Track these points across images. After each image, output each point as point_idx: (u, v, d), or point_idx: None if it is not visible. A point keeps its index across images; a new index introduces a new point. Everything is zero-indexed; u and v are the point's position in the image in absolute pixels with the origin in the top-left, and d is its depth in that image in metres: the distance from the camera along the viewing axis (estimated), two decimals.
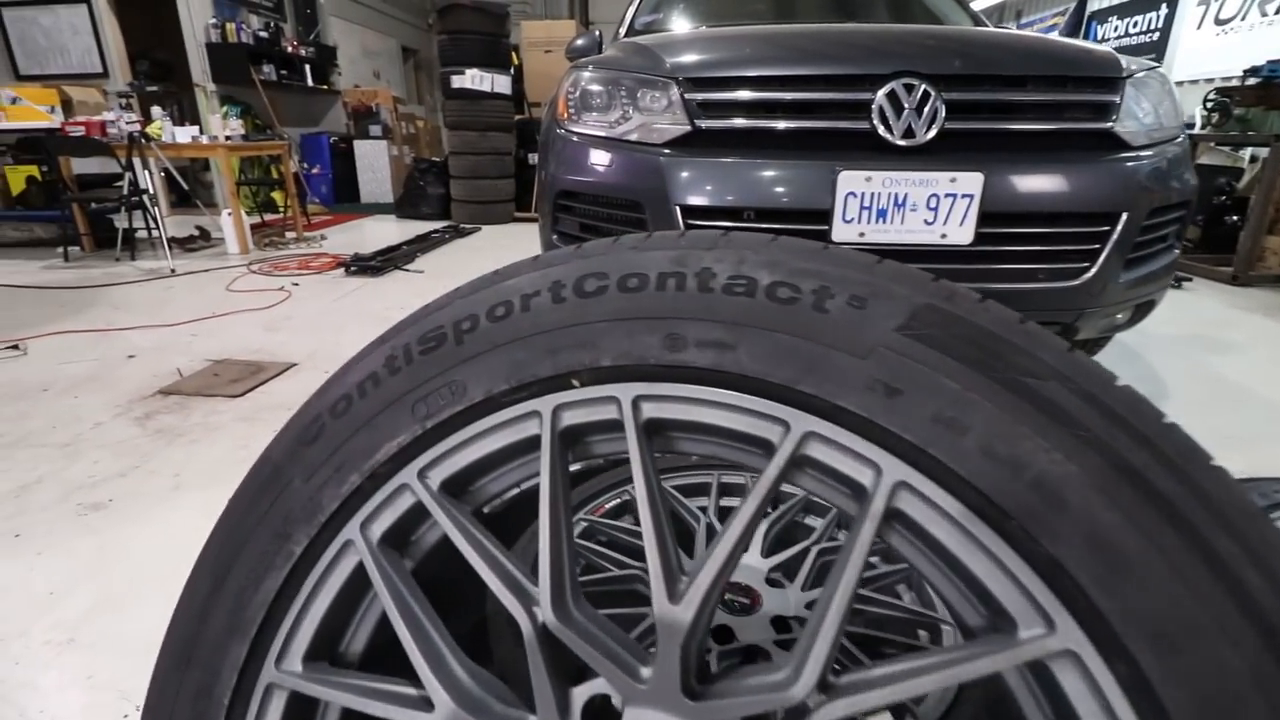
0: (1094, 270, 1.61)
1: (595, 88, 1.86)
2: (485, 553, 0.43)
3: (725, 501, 1.16)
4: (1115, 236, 1.59)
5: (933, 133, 1.54)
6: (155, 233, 4.71)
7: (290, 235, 5.59)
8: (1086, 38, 7.51)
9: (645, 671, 0.40)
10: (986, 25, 2.85)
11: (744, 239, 0.44)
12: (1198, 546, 0.32)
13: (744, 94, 1.62)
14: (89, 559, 1.43)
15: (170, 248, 4.63)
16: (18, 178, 5.32)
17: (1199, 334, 3.13)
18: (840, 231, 1.56)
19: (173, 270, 4.34)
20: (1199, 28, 5.83)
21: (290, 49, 7.98)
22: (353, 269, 4.26)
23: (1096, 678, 0.32)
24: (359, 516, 0.46)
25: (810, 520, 1.11)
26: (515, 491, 0.49)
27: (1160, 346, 2.89)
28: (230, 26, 7.06)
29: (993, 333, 0.38)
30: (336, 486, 0.46)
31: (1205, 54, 5.78)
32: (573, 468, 0.47)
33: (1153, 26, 6.30)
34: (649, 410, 0.42)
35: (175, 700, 0.46)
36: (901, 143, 1.55)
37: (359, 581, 0.46)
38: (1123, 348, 2.86)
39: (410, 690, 0.44)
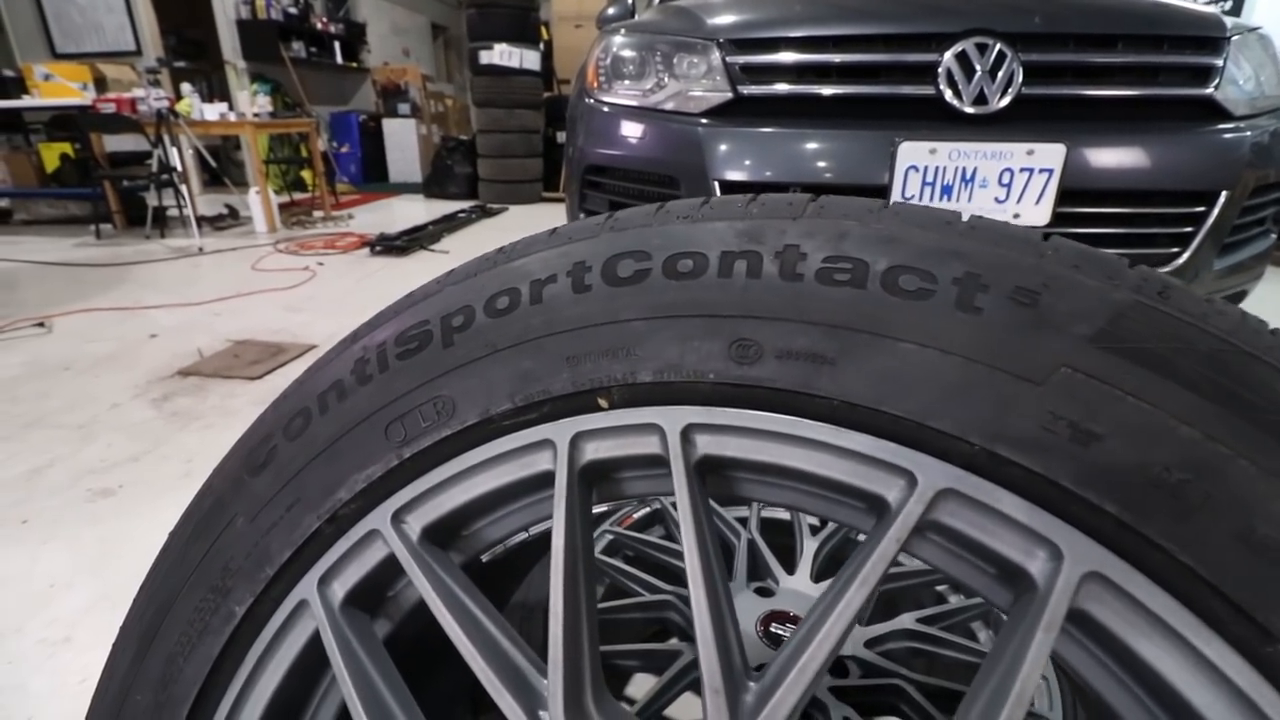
0: (1186, 256, 1.43)
1: (628, 53, 1.72)
2: (472, 624, 0.32)
3: (768, 513, 1.04)
4: (1213, 218, 1.41)
5: (1008, 99, 1.37)
6: (185, 211, 4.71)
7: (318, 214, 5.56)
8: None
9: None
10: None
11: (844, 204, 0.31)
12: None
13: (792, 56, 1.47)
14: (93, 550, 1.37)
15: (200, 226, 4.63)
16: (52, 155, 5.36)
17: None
18: None
19: (200, 249, 4.33)
20: None
21: (320, 26, 7.93)
22: (378, 249, 4.20)
23: None
24: (316, 570, 0.35)
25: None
26: (521, 537, 0.38)
27: None
28: (260, 3, 7.03)
29: (1241, 349, 0.24)
30: (289, 530, 0.35)
31: None
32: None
33: None
34: (705, 445, 0.30)
35: None
36: (971, 110, 1.39)
37: (317, 651, 0.35)
38: None
39: None
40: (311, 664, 0.36)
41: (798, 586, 0.86)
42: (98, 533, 1.43)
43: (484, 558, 0.38)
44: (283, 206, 5.47)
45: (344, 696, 0.34)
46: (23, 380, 2.27)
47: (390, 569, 0.35)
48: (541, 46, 6.48)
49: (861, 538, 0.28)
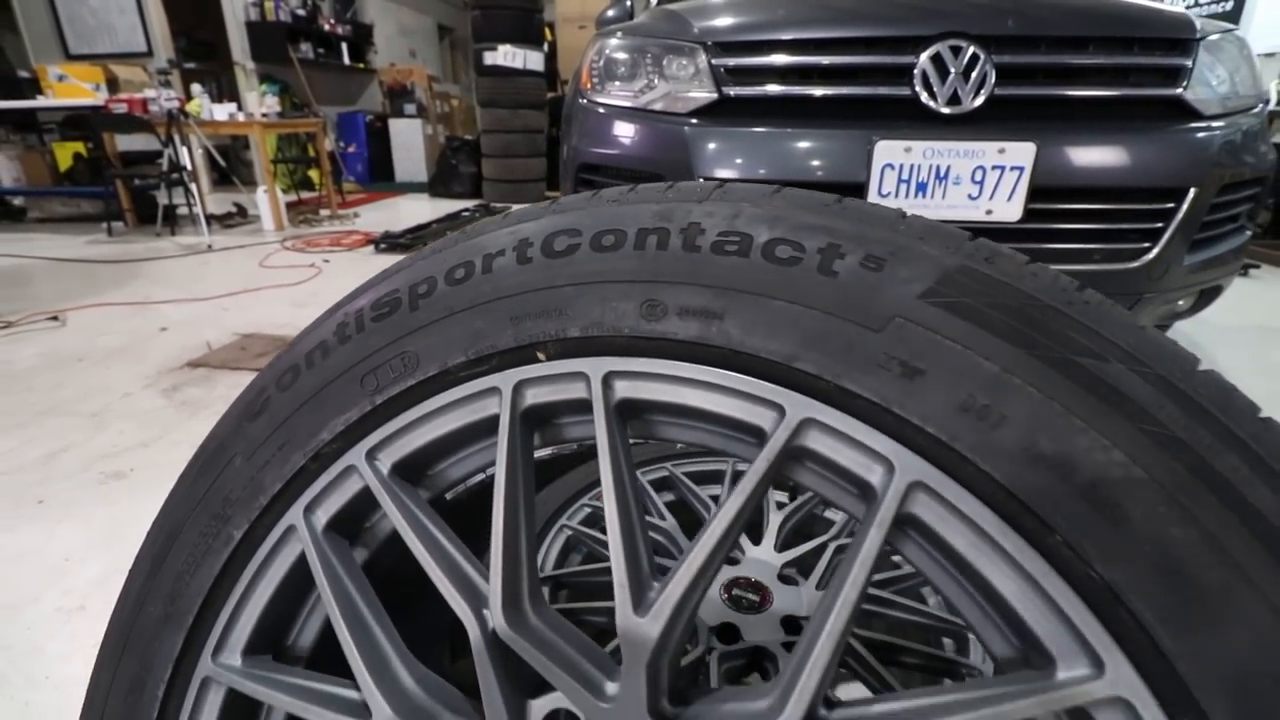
0: (1156, 251, 1.48)
1: (620, 55, 1.78)
2: (433, 543, 0.38)
3: None
4: (1181, 215, 1.46)
5: (981, 99, 1.42)
6: (195, 209, 4.80)
7: (324, 213, 5.65)
8: None
9: (610, 688, 0.35)
10: None
11: (742, 190, 0.37)
12: None
13: (774, 59, 1.52)
14: (106, 528, 1.45)
15: (209, 224, 4.71)
16: (65, 154, 5.47)
17: (1265, 325, 2.92)
18: None
19: (209, 246, 4.42)
20: None
21: (327, 27, 8.03)
22: (382, 247, 4.28)
23: None
24: (303, 500, 0.41)
25: (830, 514, 1.04)
26: (481, 478, 0.44)
27: (1222, 338, 2.70)
28: (269, 5, 7.12)
29: (1043, 303, 0.30)
30: (279, 466, 0.41)
31: None
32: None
33: None
34: (622, 389, 0.36)
35: (109, 693, 0.43)
36: (946, 110, 1.44)
37: (304, 571, 0.42)
38: (1183, 338, 2.68)
39: (352, 694, 0.39)
40: (298, 583, 0.42)
41: (762, 556, 0.91)
42: (110, 512, 1.50)
43: (449, 496, 0.45)
44: (290, 205, 5.55)
45: (325, 607, 0.40)
46: (38, 371, 2.36)
47: (365, 500, 0.41)
48: (545, 47, 6.54)
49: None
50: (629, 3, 3.00)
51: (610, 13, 2.97)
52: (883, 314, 0.31)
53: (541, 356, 0.38)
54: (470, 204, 6.18)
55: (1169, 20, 1.51)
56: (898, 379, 0.30)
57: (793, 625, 0.80)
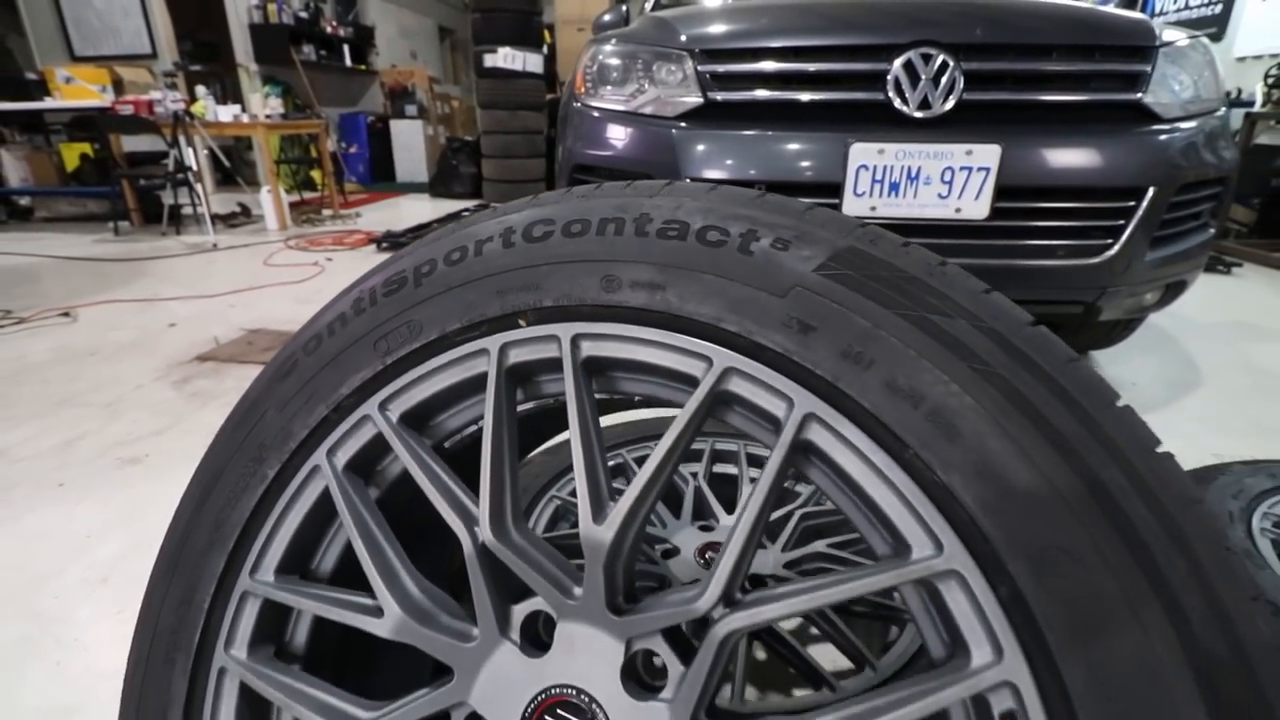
0: (1117, 248, 1.56)
1: (612, 61, 1.87)
2: (434, 477, 0.47)
3: (718, 468, 1.18)
4: (1140, 213, 1.54)
5: (950, 104, 1.51)
6: (199, 209, 4.89)
7: (327, 213, 5.74)
8: (1144, 11, 7.13)
9: (576, 591, 0.43)
10: None
11: (685, 188, 0.46)
12: (1084, 477, 0.33)
13: (756, 66, 1.61)
14: (124, 508, 1.53)
15: (213, 223, 4.80)
16: (72, 155, 5.56)
17: (1244, 321, 3.00)
18: (851, 205, 1.54)
19: (214, 245, 4.51)
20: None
21: (329, 29, 8.12)
22: (384, 245, 4.36)
23: (978, 596, 0.34)
24: (326, 444, 0.49)
25: (799, 488, 1.12)
26: (472, 430, 0.52)
27: (1200, 333, 2.79)
28: (272, 7, 7.22)
29: (909, 274, 0.39)
30: (306, 416, 0.50)
31: (1271, 27, 5.44)
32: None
33: None
34: (587, 348, 0.45)
35: (162, 606, 0.51)
36: (917, 114, 1.52)
37: (327, 504, 0.50)
38: (1159, 332, 2.77)
39: (367, 600, 0.48)
40: (322, 515, 0.51)
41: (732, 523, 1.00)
42: (128, 495, 1.59)
43: (446, 445, 0.53)
44: (293, 205, 5.64)
45: (346, 533, 0.48)
46: (52, 364, 2.44)
47: (378, 445, 0.50)
48: (545, 50, 6.63)
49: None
50: (625, 8, 3.08)
51: (606, 17, 3.05)
52: (786, 284, 0.39)
53: (522, 323, 0.46)
54: (470, 204, 6.27)
55: (1129, 28, 1.59)
56: (796, 334, 0.39)
57: (759, 582, 0.89)
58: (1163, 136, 1.57)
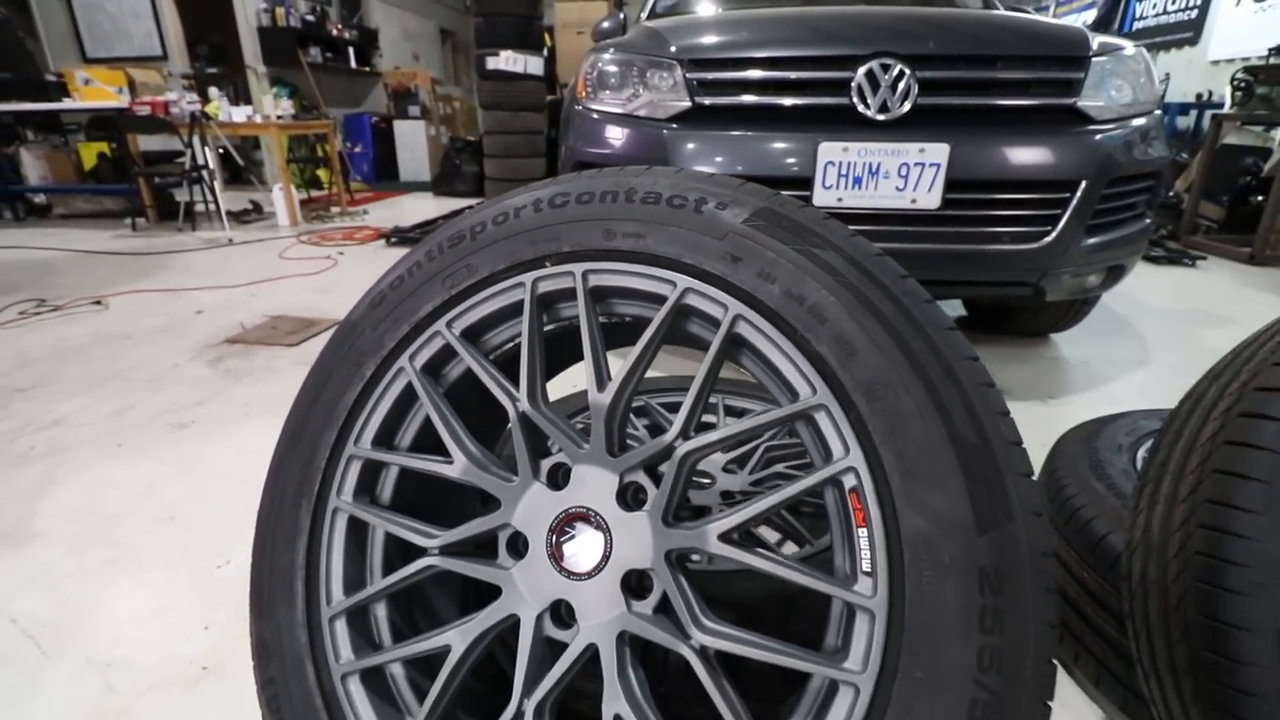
0: (1055, 234, 1.78)
1: (611, 69, 2.08)
2: (487, 371, 0.67)
3: (704, 419, 1.39)
4: (1074, 203, 1.76)
5: (906, 107, 1.72)
6: (213, 206, 5.10)
7: (335, 210, 5.94)
8: (1124, 17, 7.37)
9: (585, 445, 0.64)
10: (995, 5, 2.95)
11: (661, 170, 0.67)
12: (899, 344, 0.54)
13: (737, 74, 1.82)
14: (179, 463, 1.74)
15: (226, 219, 5.00)
16: (90, 154, 5.76)
17: (1200, 309, 3.22)
18: (820, 197, 1.75)
19: (230, 240, 4.71)
20: (1237, 5, 5.72)
21: (335, 32, 8.32)
22: (393, 240, 4.57)
23: (836, 420, 0.55)
24: (408, 352, 0.70)
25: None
26: (510, 346, 0.73)
27: (1157, 318, 3.00)
28: (280, 11, 7.42)
29: (801, 223, 0.60)
30: (394, 332, 0.71)
31: (1243, 32, 5.67)
32: None
33: (1191, 4, 6.18)
34: (593, 280, 0.66)
35: (288, 467, 0.72)
36: (878, 117, 1.74)
37: (408, 396, 0.71)
38: (1117, 318, 2.98)
39: (438, 458, 0.68)
40: (405, 404, 0.71)
41: (714, 457, 1.21)
42: (180, 453, 1.79)
43: (491, 357, 0.74)
44: (302, 203, 5.84)
45: (426, 411, 0.69)
46: (91, 346, 2.64)
47: (445, 354, 0.71)
48: (545, 52, 6.83)
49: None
50: (622, 15, 3.29)
51: (605, 25, 3.26)
52: (723, 231, 0.60)
53: (548, 264, 0.67)
54: (473, 202, 6.47)
55: (1063, 38, 1.81)
56: (730, 263, 0.60)
57: (728, 496, 1.10)
58: (1095, 136, 1.78)
